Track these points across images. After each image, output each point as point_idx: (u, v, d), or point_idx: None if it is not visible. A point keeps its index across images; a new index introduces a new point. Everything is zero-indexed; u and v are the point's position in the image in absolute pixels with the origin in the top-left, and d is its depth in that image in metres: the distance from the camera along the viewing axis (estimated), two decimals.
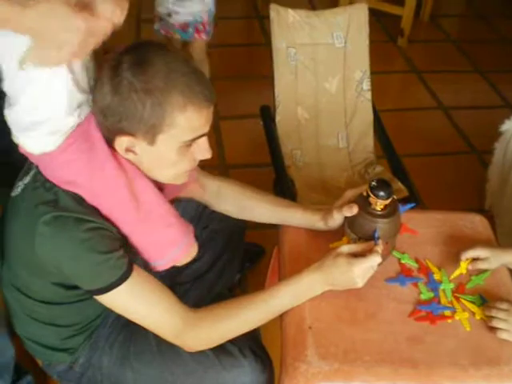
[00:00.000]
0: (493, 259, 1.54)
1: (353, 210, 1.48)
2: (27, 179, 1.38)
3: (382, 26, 4.04)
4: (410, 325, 1.41)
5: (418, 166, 2.75)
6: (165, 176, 1.41)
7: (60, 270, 1.32)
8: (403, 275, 1.52)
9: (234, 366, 1.48)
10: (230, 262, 1.95)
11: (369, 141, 2.41)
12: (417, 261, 1.57)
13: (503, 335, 1.40)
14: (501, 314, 1.41)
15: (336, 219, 1.55)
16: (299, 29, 2.28)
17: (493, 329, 1.41)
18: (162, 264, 1.43)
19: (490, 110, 3.49)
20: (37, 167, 1.36)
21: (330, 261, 1.41)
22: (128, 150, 1.31)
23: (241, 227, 1.94)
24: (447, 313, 1.45)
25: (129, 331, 1.56)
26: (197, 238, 1.50)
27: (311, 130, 2.37)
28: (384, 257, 1.50)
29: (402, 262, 1.57)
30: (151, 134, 1.29)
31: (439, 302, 1.47)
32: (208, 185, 1.70)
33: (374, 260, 1.39)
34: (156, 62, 1.26)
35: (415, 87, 3.67)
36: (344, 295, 1.45)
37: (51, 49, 1.14)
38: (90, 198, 1.32)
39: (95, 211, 1.32)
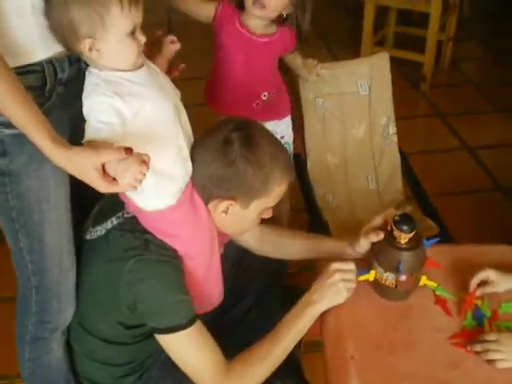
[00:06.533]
0: (501, 283, 1.59)
1: (379, 236, 1.58)
2: (108, 225, 1.53)
3: (404, 73, 4.16)
4: (447, 351, 1.47)
5: (446, 204, 2.82)
6: (234, 232, 1.65)
7: (135, 306, 1.45)
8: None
9: None
10: (271, 303, 2.02)
11: (397, 182, 2.51)
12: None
13: (502, 364, 1.43)
14: (492, 346, 1.44)
15: (362, 245, 1.64)
16: (325, 79, 2.40)
17: (490, 361, 1.44)
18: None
19: None
20: (122, 215, 1.52)
21: (317, 281, 1.56)
22: (224, 211, 1.49)
23: (280, 269, 2.04)
24: None
25: (178, 374, 1.59)
26: (240, 278, 1.67)
27: (341, 175, 2.48)
28: (410, 289, 1.59)
29: (437, 293, 1.63)
30: (250, 200, 1.49)
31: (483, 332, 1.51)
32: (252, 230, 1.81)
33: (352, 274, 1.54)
34: (262, 139, 1.48)
35: (440, 130, 3.77)
36: (381, 325, 1.54)
37: None
38: (182, 251, 1.50)
39: (179, 263, 1.49)
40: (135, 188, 1.25)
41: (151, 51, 1.54)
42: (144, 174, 1.22)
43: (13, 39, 1.28)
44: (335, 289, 1.52)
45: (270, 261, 1.88)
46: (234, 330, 1.91)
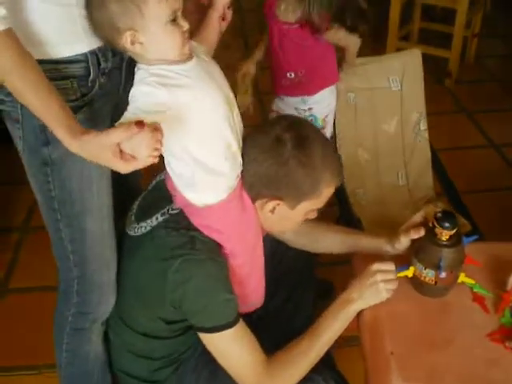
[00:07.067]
0: None
1: (420, 233, 1.58)
2: (153, 221, 1.52)
3: (427, 69, 4.14)
4: (486, 348, 1.47)
5: (475, 201, 2.82)
6: (276, 231, 1.66)
7: (180, 304, 1.45)
8: None
9: None
10: (303, 297, 2.03)
11: (428, 178, 2.51)
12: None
13: None
14: None
15: (402, 242, 1.63)
16: (357, 74, 2.41)
17: None
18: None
19: None
20: (167, 211, 1.51)
21: (358, 280, 1.56)
22: (270, 211, 1.49)
23: (311, 264, 2.04)
24: None
25: (214, 366, 1.60)
26: (271, 273, 1.66)
27: (372, 170, 2.48)
28: (449, 286, 1.59)
29: (474, 290, 1.63)
30: (298, 201, 1.48)
31: None
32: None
33: (390, 267, 1.53)
34: (315, 140, 1.46)
35: (465, 126, 3.76)
36: (420, 321, 1.54)
37: None
38: (228, 248, 1.49)
39: (225, 261, 1.49)
40: (156, 159, 1.19)
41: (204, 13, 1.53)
42: (160, 142, 1.16)
43: (58, 29, 1.29)
44: (375, 289, 1.52)
45: (302, 255, 1.88)
46: (270, 324, 1.90)
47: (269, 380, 1.50)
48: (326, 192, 1.51)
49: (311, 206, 1.52)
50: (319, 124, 2.35)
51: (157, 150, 1.16)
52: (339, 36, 2.24)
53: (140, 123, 1.13)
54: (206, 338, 1.48)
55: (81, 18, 1.30)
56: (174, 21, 1.28)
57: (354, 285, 1.56)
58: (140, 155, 1.17)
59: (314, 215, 1.59)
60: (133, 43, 1.29)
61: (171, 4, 1.27)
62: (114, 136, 1.16)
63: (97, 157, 1.22)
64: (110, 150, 1.17)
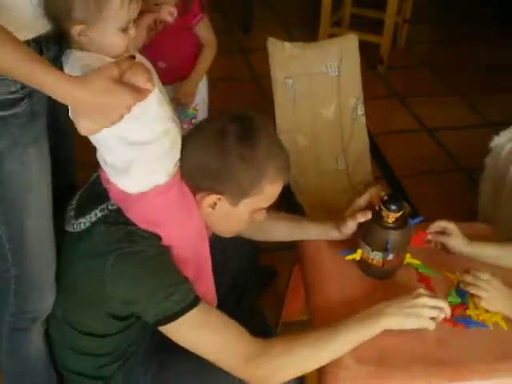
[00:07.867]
0: (456, 239, 1.66)
1: (367, 216, 1.59)
2: (93, 217, 1.45)
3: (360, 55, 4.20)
4: (436, 328, 1.47)
5: (411, 184, 2.87)
6: (223, 230, 1.57)
7: (125, 301, 1.39)
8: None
9: None
10: (246, 286, 2.02)
11: (366, 163, 2.53)
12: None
13: (482, 303, 1.49)
14: (482, 283, 1.49)
15: (349, 226, 1.64)
16: (295, 60, 2.40)
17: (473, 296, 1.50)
18: None
19: (470, 129, 3.64)
20: (106, 207, 1.44)
21: (401, 298, 1.47)
22: (210, 206, 1.43)
23: (253, 252, 2.03)
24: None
25: (164, 356, 1.59)
26: (215, 264, 1.59)
27: (311, 156, 2.47)
28: (396, 268, 1.62)
29: (420, 271, 1.66)
30: (239, 197, 1.41)
31: (467, 308, 1.55)
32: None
33: (444, 305, 1.46)
34: (260, 134, 1.39)
35: (398, 111, 3.82)
36: (369, 304, 1.52)
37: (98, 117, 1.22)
38: (167, 240, 1.41)
39: (166, 251, 1.41)
40: (152, 86, 1.22)
41: None
42: (149, 70, 1.24)
43: (5, 15, 1.21)
44: (416, 312, 1.43)
45: (245, 243, 1.86)
46: None
47: (261, 355, 1.39)
48: (270, 189, 1.43)
49: (255, 203, 1.45)
50: (190, 112, 2.52)
51: (151, 78, 1.22)
52: (207, 30, 2.43)
53: (132, 56, 1.27)
54: (169, 331, 1.39)
55: (31, 4, 1.24)
56: (125, 29, 1.29)
57: (396, 300, 1.46)
58: (141, 83, 1.20)
59: (262, 216, 1.52)
60: (79, 35, 1.26)
61: (131, 13, 1.27)
62: (123, 64, 1.19)
63: (110, 90, 1.17)
64: (119, 83, 1.17)
